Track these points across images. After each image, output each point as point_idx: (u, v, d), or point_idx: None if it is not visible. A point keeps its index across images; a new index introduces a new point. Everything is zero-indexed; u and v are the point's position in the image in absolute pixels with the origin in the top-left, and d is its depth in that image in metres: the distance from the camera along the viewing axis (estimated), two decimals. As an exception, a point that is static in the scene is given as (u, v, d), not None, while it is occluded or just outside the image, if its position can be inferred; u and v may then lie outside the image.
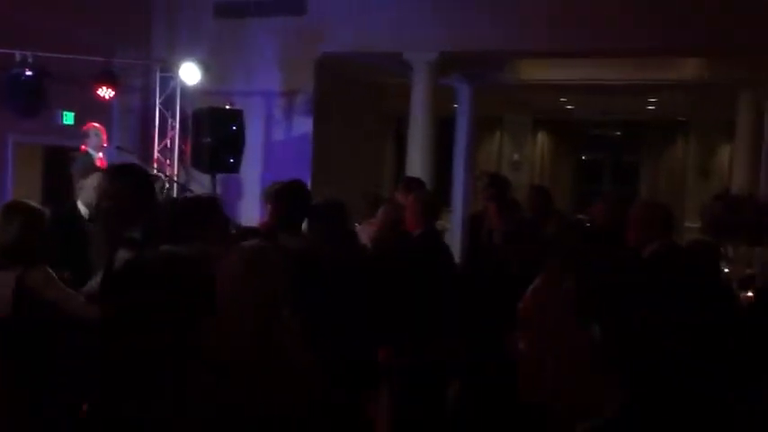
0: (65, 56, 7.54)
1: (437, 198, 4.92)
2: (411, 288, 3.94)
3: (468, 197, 11.05)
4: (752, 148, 9.78)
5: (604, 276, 1.27)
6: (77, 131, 7.48)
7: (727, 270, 5.37)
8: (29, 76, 7.44)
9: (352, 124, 10.92)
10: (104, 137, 7.28)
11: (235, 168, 8.49)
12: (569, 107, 14.83)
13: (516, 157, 16.32)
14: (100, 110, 8.25)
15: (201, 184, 8.54)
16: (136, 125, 9.57)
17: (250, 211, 8.41)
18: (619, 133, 16.25)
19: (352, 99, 10.99)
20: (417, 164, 9.35)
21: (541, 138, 16.40)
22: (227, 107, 8.58)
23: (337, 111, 10.25)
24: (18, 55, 7.41)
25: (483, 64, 10.62)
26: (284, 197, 3.80)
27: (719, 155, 14.81)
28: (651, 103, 13.90)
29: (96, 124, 7.29)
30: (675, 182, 15.27)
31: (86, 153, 7.17)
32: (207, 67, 8.71)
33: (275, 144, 9.76)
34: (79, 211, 4.79)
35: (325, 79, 9.59)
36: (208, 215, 2.65)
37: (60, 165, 8.57)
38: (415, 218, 4.38)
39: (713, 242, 4.29)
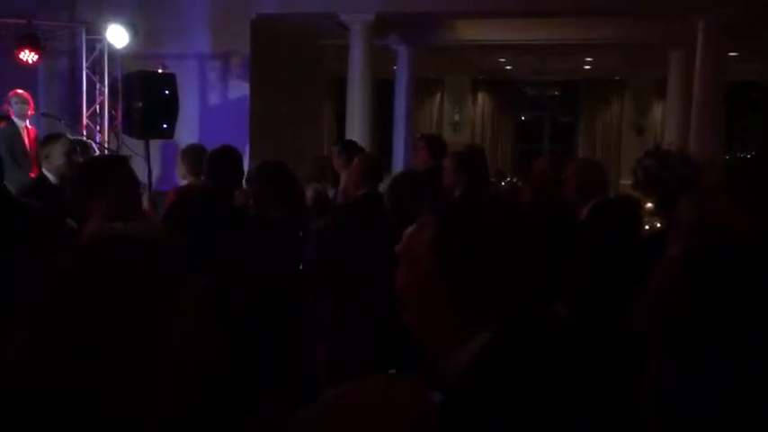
0: (-18, 18, 7.17)
1: (381, 161, 4.99)
2: (353, 244, 4.00)
3: (409, 159, 11.05)
4: (682, 106, 10.03)
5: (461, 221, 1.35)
6: (0, 99, 7.14)
7: (659, 225, 5.52)
8: (-56, 39, 7.03)
9: (290, 86, 10.74)
10: (30, 104, 6.97)
11: (169, 134, 8.26)
12: (508, 68, 14.92)
13: (457, 117, 16.39)
14: (24, 75, 7.89)
15: (134, 150, 8.29)
16: (63, 90, 9.19)
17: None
18: (556, 93, 16.47)
19: (290, 61, 10.79)
20: (357, 126, 9.29)
21: (481, 98, 16.49)
22: (159, 71, 8.31)
23: (275, 73, 10.06)
24: (-69, 17, 6.99)
25: (420, 25, 10.56)
26: (220, 162, 3.85)
27: (653, 113, 15.18)
28: (587, 63, 14.10)
29: (20, 91, 6.96)
30: (611, 140, 15.62)
31: (11, 121, 6.86)
32: (136, 30, 8.39)
33: (211, 108, 9.54)
34: (49, 181, 4.62)
35: (262, 41, 9.38)
36: (108, 173, 2.58)
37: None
38: (358, 179, 4.48)
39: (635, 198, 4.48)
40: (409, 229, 1.37)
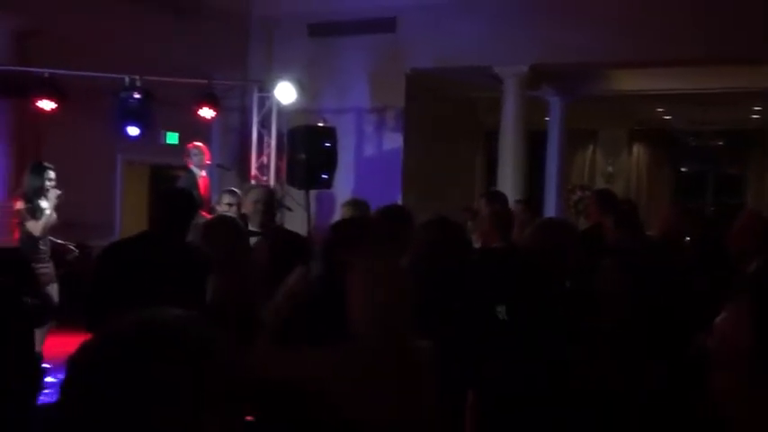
0: (169, 79, 7.92)
1: (510, 213, 4.92)
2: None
3: (561, 210, 10.87)
4: None
5: None
6: (181, 150, 7.85)
7: None
8: (137, 98, 7.81)
9: (442, 139, 10.97)
10: (207, 155, 7.62)
11: (328, 184, 8.68)
12: (667, 117, 14.35)
13: (610, 169, 15.90)
14: (201, 129, 8.63)
15: (296, 199, 8.78)
16: (235, 143, 9.96)
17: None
18: (721, 143, 15.57)
19: (443, 113, 11.04)
20: (508, 177, 9.29)
21: (637, 149, 15.91)
22: (321, 124, 8.80)
23: (428, 125, 10.33)
24: (127, 79, 7.82)
25: (574, 76, 10.47)
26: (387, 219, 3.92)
27: (833, 164, 13.97)
28: (756, 112, 13.26)
29: (199, 143, 7.64)
30: (784, 194, 14.49)
31: (190, 170, 7.53)
32: (301, 86, 8.97)
33: (367, 160, 9.93)
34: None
35: (416, 94, 9.70)
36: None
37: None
38: (490, 232, 4.52)
39: None
40: (721, 317, 1.27)
